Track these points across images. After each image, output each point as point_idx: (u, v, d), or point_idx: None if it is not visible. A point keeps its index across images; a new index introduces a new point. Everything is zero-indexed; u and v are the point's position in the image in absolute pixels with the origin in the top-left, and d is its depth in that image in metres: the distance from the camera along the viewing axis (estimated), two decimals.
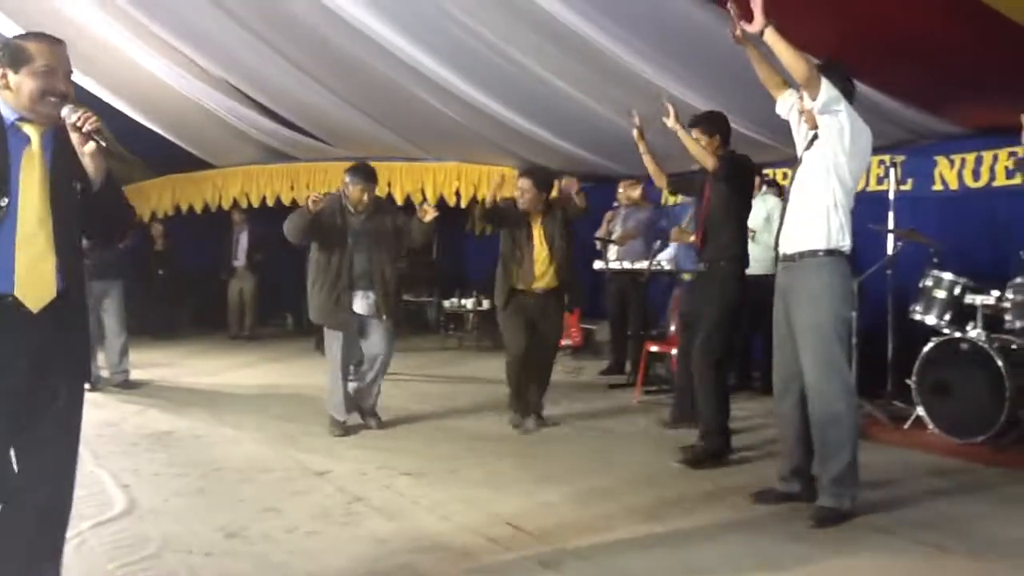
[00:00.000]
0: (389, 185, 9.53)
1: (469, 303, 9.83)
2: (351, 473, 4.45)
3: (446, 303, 10.11)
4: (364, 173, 5.46)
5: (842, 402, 3.63)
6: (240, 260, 10.85)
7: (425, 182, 9.58)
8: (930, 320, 5.25)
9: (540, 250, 5.49)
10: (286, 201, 9.88)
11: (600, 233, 7.89)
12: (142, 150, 10.09)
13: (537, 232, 5.52)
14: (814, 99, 3.53)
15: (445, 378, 7.86)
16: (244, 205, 10.49)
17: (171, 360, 8.67)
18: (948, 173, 6.33)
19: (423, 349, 9.56)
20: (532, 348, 5.47)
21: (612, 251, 7.67)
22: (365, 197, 5.39)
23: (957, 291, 5.16)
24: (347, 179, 5.44)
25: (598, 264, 7.47)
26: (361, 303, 5.40)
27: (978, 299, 5.06)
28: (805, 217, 3.72)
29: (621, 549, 3.33)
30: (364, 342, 5.50)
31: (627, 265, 6.90)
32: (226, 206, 10.59)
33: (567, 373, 7.86)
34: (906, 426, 5.19)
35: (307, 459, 4.74)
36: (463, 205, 9.54)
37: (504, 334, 5.57)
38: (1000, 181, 6.03)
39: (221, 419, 5.87)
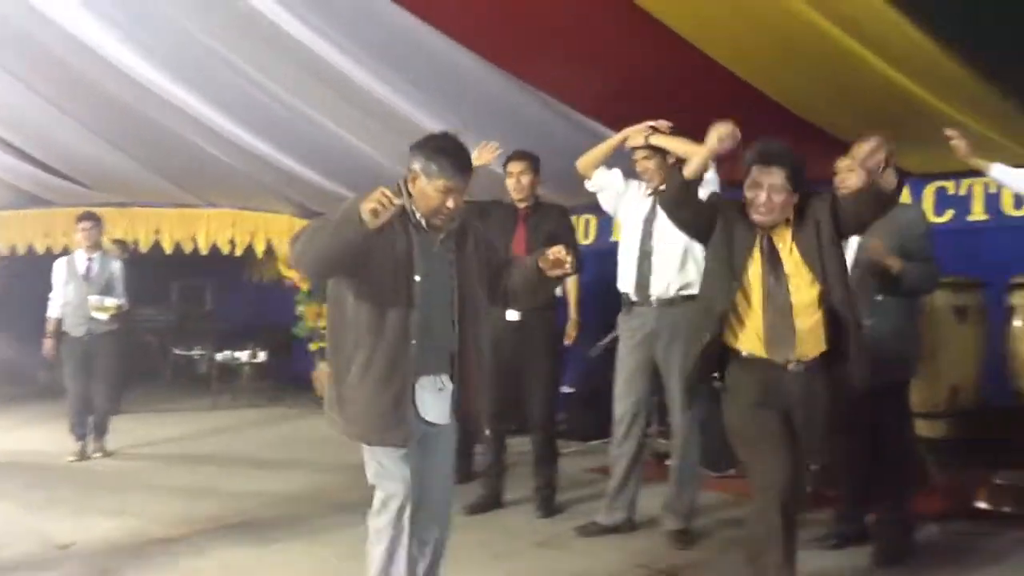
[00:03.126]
0: (157, 233, 9.02)
1: (244, 355, 9.37)
2: None
3: (219, 356, 9.56)
4: (456, 154, 2.78)
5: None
6: None
7: (198, 230, 9.13)
8: None
9: (801, 280, 3.06)
10: (40, 250, 9.08)
11: None
12: None
13: (786, 247, 3.09)
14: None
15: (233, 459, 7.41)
16: None
17: None
18: None
19: (194, 409, 8.96)
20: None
21: None
22: (452, 203, 2.77)
23: None
24: (424, 164, 2.75)
25: None
26: (433, 402, 2.85)
27: None
28: (679, 262, 4.06)
29: None
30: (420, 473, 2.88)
31: None
32: None
33: None
34: (667, 462, 5.35)
35: None
36: (238, 253, 9.20)
37: (745, 454, 3.18)
38: None
39: None
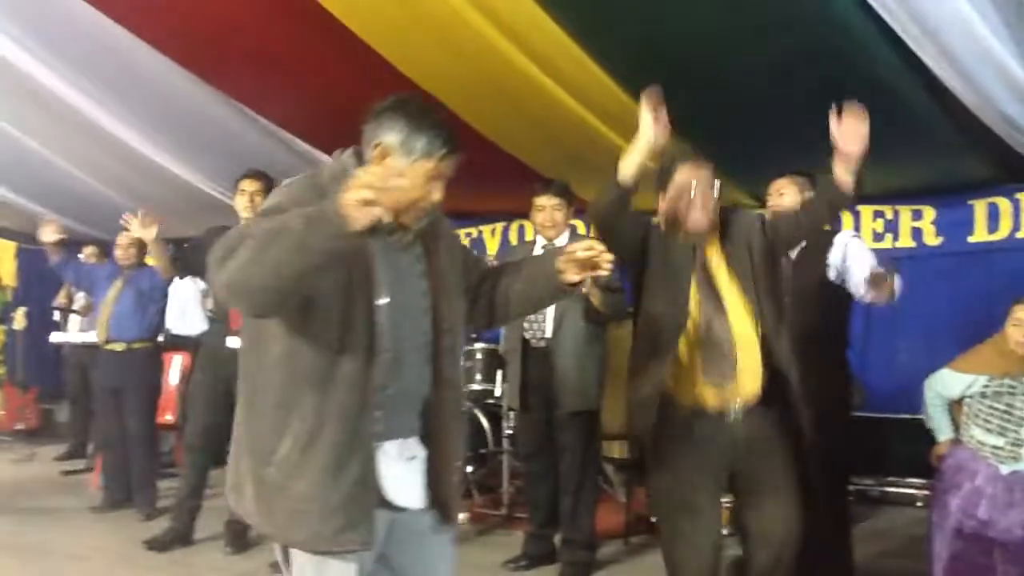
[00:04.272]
0: None
1: None
2: None
3: None
4: (446, 125, 1.98)
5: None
6: None
7: None
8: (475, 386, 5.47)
9: (739, 306, 2.74)
10: None
11: (59, 301, 7.07)
12: None
13: (720, 267, 2.78)
14: None
15: None
16: None
17: None
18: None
19: None
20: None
21: (75, 321, 6.92)
22: (437, 195, 1.96)
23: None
24: (405, 137, 1.89)
25: (57, 336, 6.70)
26: (403, 477, 1.98)
27: None
28: None
29: None
30: None
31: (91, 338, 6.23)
32: None
33: (15, 462, 6.84)
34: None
35: None
36: None
37: (664, 535, 2.86)
38: None
39: None
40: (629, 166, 2.59)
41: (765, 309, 2.68)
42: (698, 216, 2.68)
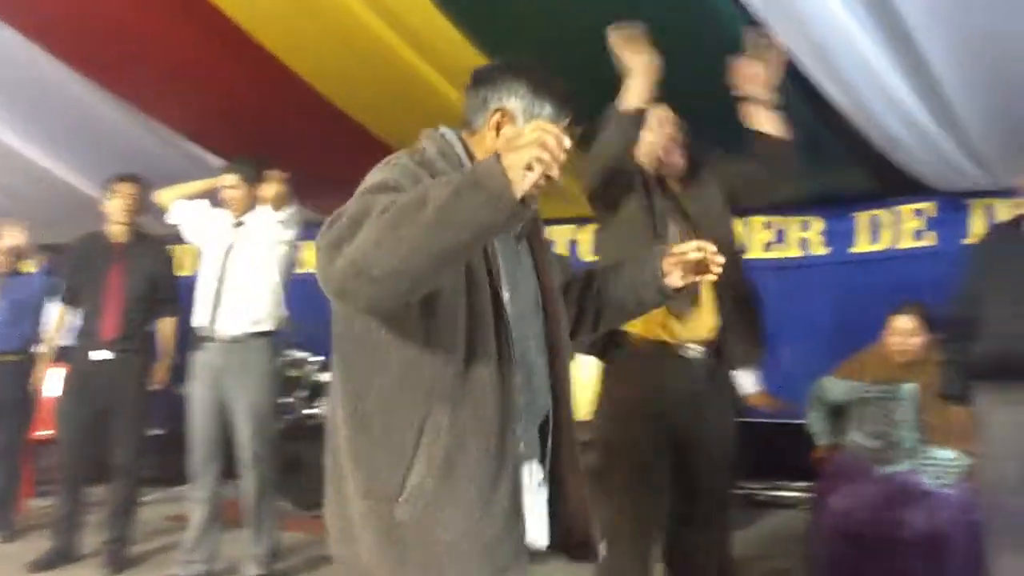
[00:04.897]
0: None
1: None
2: None
3: None
4: (567, 93, 1.74)
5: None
6: None
7: None
8: (286, 399, 5.37)
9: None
10: None
11: None
12: None
13: (687, 205, 2.83)
14: None
15: None
16: None
17: None
18: (312, 256, 6.71)
19: None
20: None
21: None
22: (558, 170, 1.44)
23: (309, 369, 5.38)
24: (530, 101, 1.67)
25: None
26: (536, 510, 1.68)
27: (329, 376, 5.29)
28: (252, 296, 3.87)
29: None
30: None
31: None
32: None
33: None
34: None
35: None
36: None
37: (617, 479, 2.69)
38: None
39: None
40: (632, 99, 2.55)
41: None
42: (676, 155, 2.73)
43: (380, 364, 1.54)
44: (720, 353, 2.73)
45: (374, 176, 1.53)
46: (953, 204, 4.88)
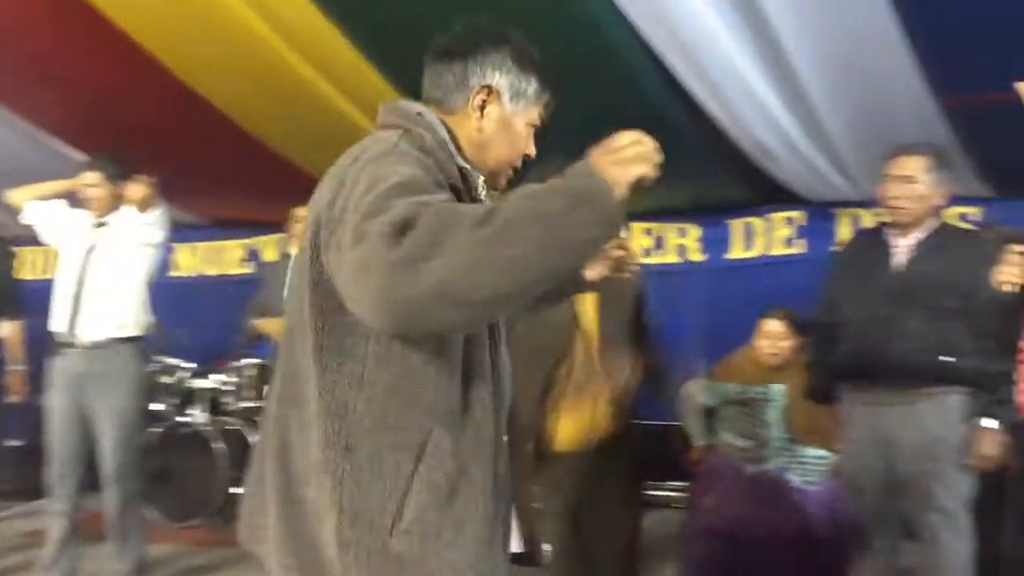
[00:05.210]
0: None
1: None
2: None
3: None
4: (548, 68, 1.66)
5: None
6: None
7: None
8: (157, 406, 5.15)
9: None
10: None
11: None
12: None
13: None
14: None
15: None
16: None
17: None
18: (186, 260, 6.48)
19: None
20: None
21: None
22: (533, 148, 1.64)
23: (181, 376, 5.19)
24: (517, 77, 1.55)
25: None
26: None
27: (201, 383, 5.14)
28: (113, 300, 3.69)
29: None
30: None
31: None
32: None
33: None
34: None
35: None
36: None
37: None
38: (232, 270, 6.39)
39: None
40: None
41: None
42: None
43: (370, 379, 1.35)
44: None
45: (392, 167, 1.31)
46: (822, 213, 5.09)
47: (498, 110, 1.51)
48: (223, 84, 4.15)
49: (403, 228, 1.18)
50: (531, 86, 1.53)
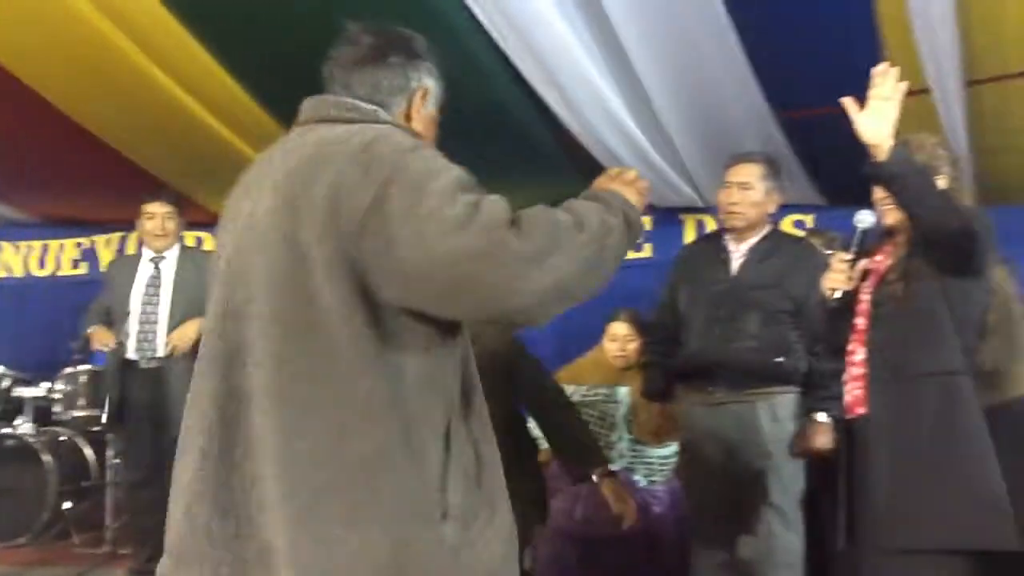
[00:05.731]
0: None
1: None
2: None
3: None
4: None
5: None
6: None
7: None
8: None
9: None
10: None
11: None
12: None
13: None
14: None
15: None
16: None
17: None
18: (14, 259, 6.08)
19: None
20: None
21: None
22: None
23: (5, 384, 4.85)
24: (434, 73, 1.58)
25: None
26: None
27: (28, 391, 4.82)
28: None
29: None
30: None
31: None
32: None
33: None
34: None
35: None
36: None
37: None
38: (65, 271, 6.03)
39: None
40: None
41: None
42: None
43: (415, 371, 1.32)
44: None
45: (439, 164, 1.30)
46: (669, 218, 5.21)
47: (427, 112, 1.52)
48: (52, 73, 3.89)
49: (513, 223, 1.24)
50: (440, 87, 1.55)
